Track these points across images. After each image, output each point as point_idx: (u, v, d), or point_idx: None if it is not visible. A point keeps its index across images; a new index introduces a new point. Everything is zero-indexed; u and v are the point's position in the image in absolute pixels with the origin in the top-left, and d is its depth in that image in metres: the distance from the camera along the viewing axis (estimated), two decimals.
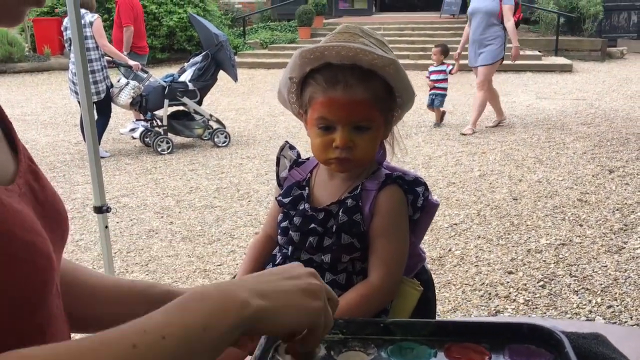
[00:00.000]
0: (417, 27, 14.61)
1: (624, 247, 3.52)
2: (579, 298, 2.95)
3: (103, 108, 6.06)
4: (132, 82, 6.17)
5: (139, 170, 5.66)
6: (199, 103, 6.51)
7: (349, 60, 1.13)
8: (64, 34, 6.08)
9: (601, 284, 3.08)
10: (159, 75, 7.00)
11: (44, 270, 0.60)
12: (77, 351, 0.51)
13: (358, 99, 1.15)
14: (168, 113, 6.37)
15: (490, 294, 3.04)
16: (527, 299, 2.97)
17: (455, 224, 3.98)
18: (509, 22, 6.36)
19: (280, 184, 1.38)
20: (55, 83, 11.31)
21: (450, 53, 7.02)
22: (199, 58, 6.47)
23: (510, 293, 3.03)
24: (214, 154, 6.20)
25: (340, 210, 1.23)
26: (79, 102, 4.27)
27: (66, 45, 6.65)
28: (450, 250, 3.59)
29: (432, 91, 6.97)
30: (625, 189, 4.57)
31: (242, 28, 15.28)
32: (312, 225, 1.24)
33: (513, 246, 3.61)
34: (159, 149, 6.22)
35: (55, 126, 7.70)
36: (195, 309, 0.57)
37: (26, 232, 0.58)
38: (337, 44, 1.13)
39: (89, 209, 4.27)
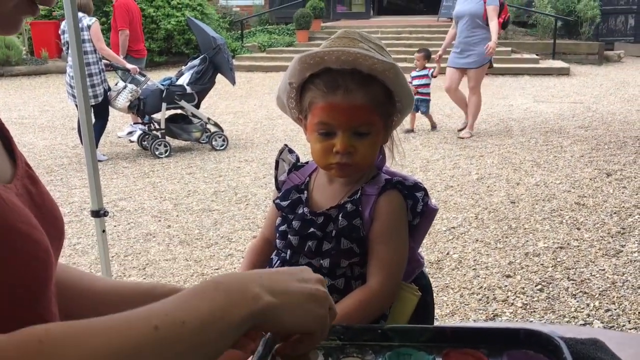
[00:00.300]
0: (414, 30, 14.63)
1: (622, 251, 3.52)
2: (577, 302, 2.95)
3: (101, 111, 6.05)
4: (130, 86, 6.17)
5: (136, 173, 5.65)
6: (197, 106, 6.51)
7: (349, 65, 1.13)
8: (62, 37, 6.08)
9: (599, 288, 3.08)
10: (156, 78, 6.99)
11: (43, 262, 0.60)
12: (98, 328, 0.52)
13: (358, 104, 1.15)
14: (166, 116, 6.37)
15: (488, 297, 3.04)
16: (525, 302, 2.97)
17: (453, 228, 3.98)
18: (492, 22, 6.37)
19: (278, 188, 1.38)
20: (53, 86, 11.31)
21: (432, 56, 7.02)
22: (196, 61, 6.47)
23: (508, 297, 3.03)
24: (211, 157, 6.20)
25: (340, 215, 1.23)
26: (76, 106, 4.26)
27: (64, 48, 6.65)
28: (448, 253, 3.59)
29: (416, 97, 6.94)
30: (622, 192, 4.57)
31: (240, 31, 15.30)
32: (311, 229, 1.24)
33: (511, 250, 3.61)
34: (157, 153, 6.21)
35: (53, 129, 7.69)
36: (214, 297, 0.58)
37: (24, 224, 0.59)
38: (337, 49, 1.13)
39: (86, 212, 4.25)
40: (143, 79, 6.34)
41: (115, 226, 4.21)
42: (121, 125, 7.49)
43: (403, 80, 1.18)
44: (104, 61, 6.11)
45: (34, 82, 11.98)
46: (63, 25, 5.84)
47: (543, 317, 2.83)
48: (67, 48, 5.48)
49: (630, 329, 2.69)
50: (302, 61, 1.16)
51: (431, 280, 1.50)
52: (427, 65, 6.99)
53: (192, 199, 4.81)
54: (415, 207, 1.24)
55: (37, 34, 13.47)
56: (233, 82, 6.53)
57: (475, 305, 2.97)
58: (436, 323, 2.41)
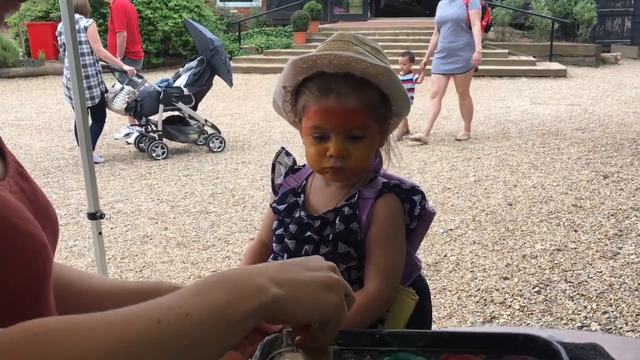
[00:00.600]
0: (412, 32, 14.66)
1: (619, 253, 3.52)
2: (574, 304, 2.95)
3: (97, 113, 6.05)
4: (127, 87, 6.16)
5: (133, 175, 5.64)
6: (194, 108, 6.50)
7: (342, 68, 1.13)
8: (59, 38, 6.07)
9: (596, 290, 3.08)
10: (154, 80, 6.99)
11: (42, 260, 0.60)
12: (98, 321, 0.51)
13: (351, 108, 1.14)
14: (163, 118, 6.36)
15: (485, 299, 3.04)
16: (523, 305, 2.97)
17: (451, 230, 3.98)
18: (475, 27, 6.37)
19: (275, 191, 1.37)
20: (50, 88, 11.29)
21: (417, 59, 7.01)
22: (194, 63, 6.47)
23: (505, 299, 3.03)
24: (209, 159, 6.19)
25: (337, 219, 1.22)
26: (73, 107, 4.25)
27: (61, 50, 6.65)
28: (445, 256, 3.58)
29: None
30: (619, 195, 4.58)
31: (237, 33, 15.29)
32: (308, 233, 1.24)
33: (508, 252, 3.61)
34: (154, 154, 6.20)
35: (50, 131, 7.67)
36: (218, 290, 0.57)
37: (21, 220, 0.59)
38: (330, 53, 1.13)
39: (82, 214, 4.24)
40: (140, 80, 6.33)
41: (112, 228, 4.20)
42: (118, 127, 7.47)
43: (398, 83, 1.17)
44: (101, 63, 6.10)
45: (30, 83, 11.96)
46: (60, 26, 5.81)
47: (540, 319, 2.82)
48: (64, 50, 5.46)
49: (627, 332, 2.69)
50: (296, 65, 1.16)
51: (429, 282, 1.49)
52: (413, 68, 6.97)
53: (189, 201, 4.80)
54: (412, 210, 1.23)
55: (34, 35, 13.44)
56: (230, 83, 6.53)
57: (472, 307, 2.97)
58: (434, 325, 2.40)
